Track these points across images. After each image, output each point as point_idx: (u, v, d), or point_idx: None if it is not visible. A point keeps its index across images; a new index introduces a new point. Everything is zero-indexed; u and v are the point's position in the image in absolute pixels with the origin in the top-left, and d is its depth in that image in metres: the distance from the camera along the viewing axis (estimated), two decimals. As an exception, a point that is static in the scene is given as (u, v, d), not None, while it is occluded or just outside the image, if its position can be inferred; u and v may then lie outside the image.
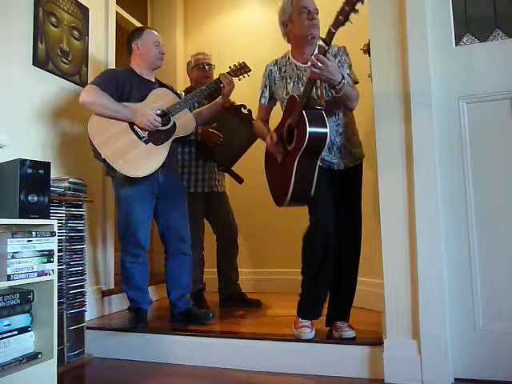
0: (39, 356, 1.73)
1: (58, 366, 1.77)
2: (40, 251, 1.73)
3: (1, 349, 1.63)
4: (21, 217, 1.70)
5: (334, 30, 1.63)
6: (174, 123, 2.28)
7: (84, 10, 2.67)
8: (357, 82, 2.00)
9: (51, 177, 1.87)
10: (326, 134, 1.82)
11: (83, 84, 2.51)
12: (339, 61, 1.95)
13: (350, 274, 2.01)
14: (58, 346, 1.83)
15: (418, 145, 1.75)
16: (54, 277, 1.78)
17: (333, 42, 1.71)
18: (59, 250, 2.01)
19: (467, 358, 1.70)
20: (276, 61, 2.12)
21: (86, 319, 2.25)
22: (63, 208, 2.12)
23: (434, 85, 1.78)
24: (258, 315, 2.57)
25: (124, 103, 2.20)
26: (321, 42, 1.73)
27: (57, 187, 2.07)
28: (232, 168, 2.76)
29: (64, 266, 2.09)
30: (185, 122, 2.32)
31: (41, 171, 1.80)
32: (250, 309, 2.70)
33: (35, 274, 1.70)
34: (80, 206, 2.22)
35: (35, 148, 2.26)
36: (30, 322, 1.77)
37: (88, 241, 2.48)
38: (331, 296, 2.04)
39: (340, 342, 1.89)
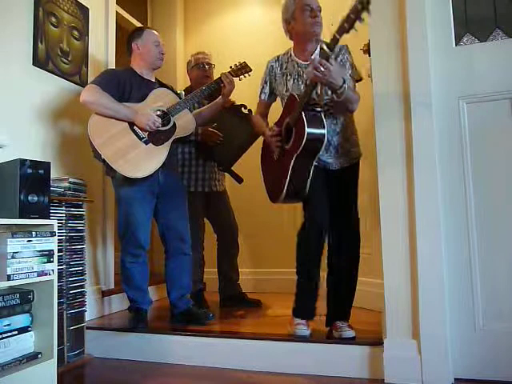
0: (39, 356, 1.73)
1: (58, 366, 1.76)
2: (40, 251, 1.73)
3: (1, 349, 1.62)
4: (21, 217, 1.70)
5: (338, 37, 1.65)
6: (174, 124, 2.28)
7: (84, 10, 2.67)
8: (360, 80, 2.00)
9: (51, 177, 1.87)
10: (324, 135, 1.85)
11: (83, 84, 2.51)
12: (341, 60, 1.96)
13: (349, 273, 2.01)
14: (58, 346, 1.83)
15: (418, 145, 1.75)
16: (54, 277, 1.78)
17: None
18: (59, 250, 2.01)
19: (467, 357, 1.70)
20: (278, 57, 2.13)
21: (86, 319, 2.24)
22: (63, 208, 2.12)
23: (434, 85, 1.78)
24: (258, 315, 2.57)
25: (124, 103, 2.20)
26: (324, 47, 1.74)
27: (57, 187, 2.07)
28: (232, 168, 2.76)
29: (64, 266, 2.09)
30: (185, 123, 2.32)
31: (41, 171, 1.80)
32: (250, 309, 2.70)
33: (35, 274, 1.70)
34: (80, 206, 2.22)
35: (35, 148, 2.26)
36: (30, 322, 1.76)
37: (88, 241, 2.48)
38: (331, 296, 2.04)
39: (340, 342, 1.89)
